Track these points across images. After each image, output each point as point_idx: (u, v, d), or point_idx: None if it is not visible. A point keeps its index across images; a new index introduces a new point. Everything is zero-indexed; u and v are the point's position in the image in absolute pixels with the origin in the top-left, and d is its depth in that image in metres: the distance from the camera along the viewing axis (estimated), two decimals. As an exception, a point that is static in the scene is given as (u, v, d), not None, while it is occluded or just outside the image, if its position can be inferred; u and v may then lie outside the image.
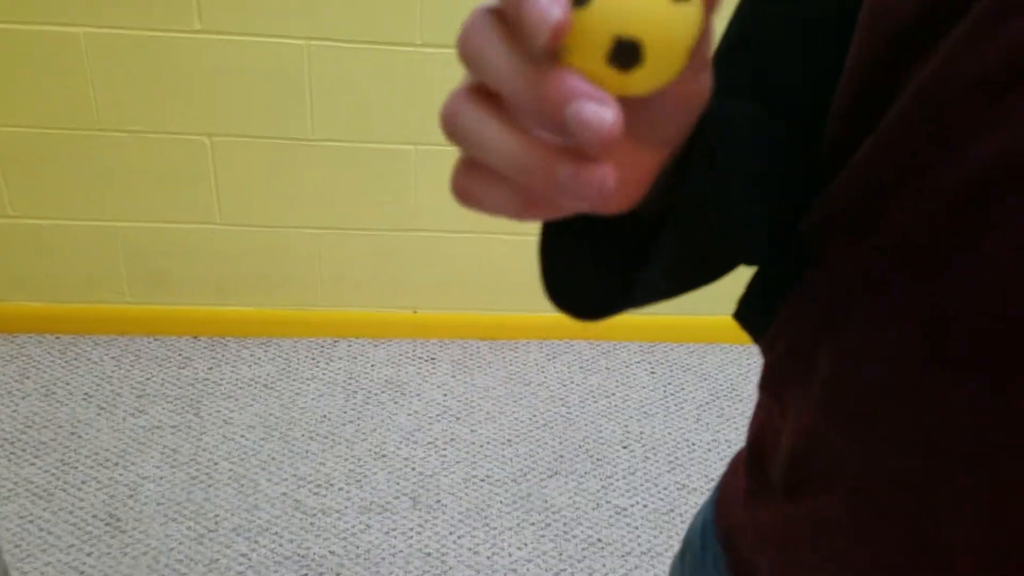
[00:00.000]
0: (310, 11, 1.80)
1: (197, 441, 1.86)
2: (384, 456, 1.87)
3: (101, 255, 2.01)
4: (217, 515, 1.70)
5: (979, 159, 0.34)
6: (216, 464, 1.81)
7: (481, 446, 1.92)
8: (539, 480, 1.85)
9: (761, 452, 0.52)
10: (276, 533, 1.68)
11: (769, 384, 0.50)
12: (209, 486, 1.76)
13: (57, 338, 2.07)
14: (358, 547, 1.67)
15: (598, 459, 1.91)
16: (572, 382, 2.12)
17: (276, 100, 1.88)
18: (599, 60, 0.25)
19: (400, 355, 2.16)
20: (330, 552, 1.66)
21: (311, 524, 1.71)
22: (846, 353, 0.41)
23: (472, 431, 1.96)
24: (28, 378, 1.96)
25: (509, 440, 1.94)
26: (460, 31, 0.26)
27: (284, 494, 1.76)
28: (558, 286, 0.42)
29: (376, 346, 2.18)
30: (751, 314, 0.49)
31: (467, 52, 0.26)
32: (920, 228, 0.37)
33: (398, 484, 1.81)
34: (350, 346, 2.17)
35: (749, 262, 0.46)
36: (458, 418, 1.99)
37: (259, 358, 2.10)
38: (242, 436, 1.88)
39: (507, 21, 0.26)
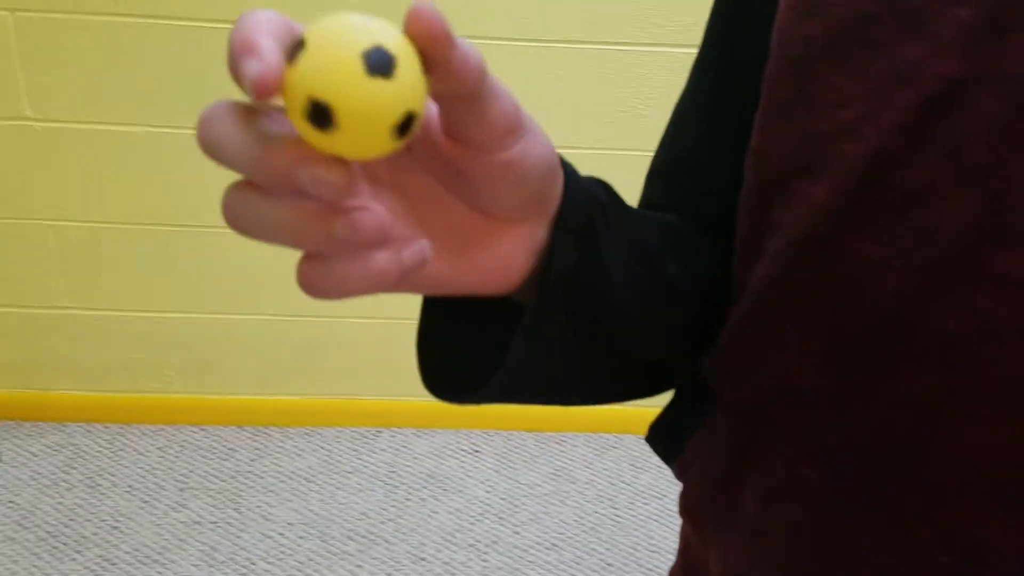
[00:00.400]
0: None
1: (236, 539, 1.83)
2: (423, 559, 1.82)
3: (152, 345, 2.03)
4: (251, 620, 1.67)
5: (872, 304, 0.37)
6: (254, 564, 1.78)
7: (524, 550, 1.85)
8: (583, 591, 1.77)
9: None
10: (310, 641, 1.64)
11: (689, 512, 0.50)
12: (245, 588, 1.73)
13: (105, 427, 2.09)
14: (393, 659, 1.62)
15: (649, 568, 1.83)
16: (621, 480, 2.04)
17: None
18: (300, 118, 0.26)
19: (443, 447, 2.11)
20: (364, 665, 1.60)
21: (346, 632, 1.66)
22: (769, 495, 0.42)
23: (515, 533, 1.89)
24: (75, 468, 1.97)
25: (554, 544, 1.87)
26: (198, 122, 0.28)
27: (320, 598, 1.72)
28: (430, 359, 0.40)
29: (419, 436, 2.14)
30: (661, 440, 0.50)
31: (205, 141, 0.28)
32: (807, 372, 0.39)
33: (437, 590, 1.75)
34: (392, 436, 2.13)
35: (677, 374, 0.47)
36: (501, 518, 1.93)
37: (301, 449, 2.07)
38: (280, 534, 1.85)
39: (247, 109, 0.28)
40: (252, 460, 2.03)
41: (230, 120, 0.27)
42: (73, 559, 1.76)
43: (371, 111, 0.26)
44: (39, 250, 1.92)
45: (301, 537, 1.85)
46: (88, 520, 1.85)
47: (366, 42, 0.26)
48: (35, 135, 1.80)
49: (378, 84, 0.26)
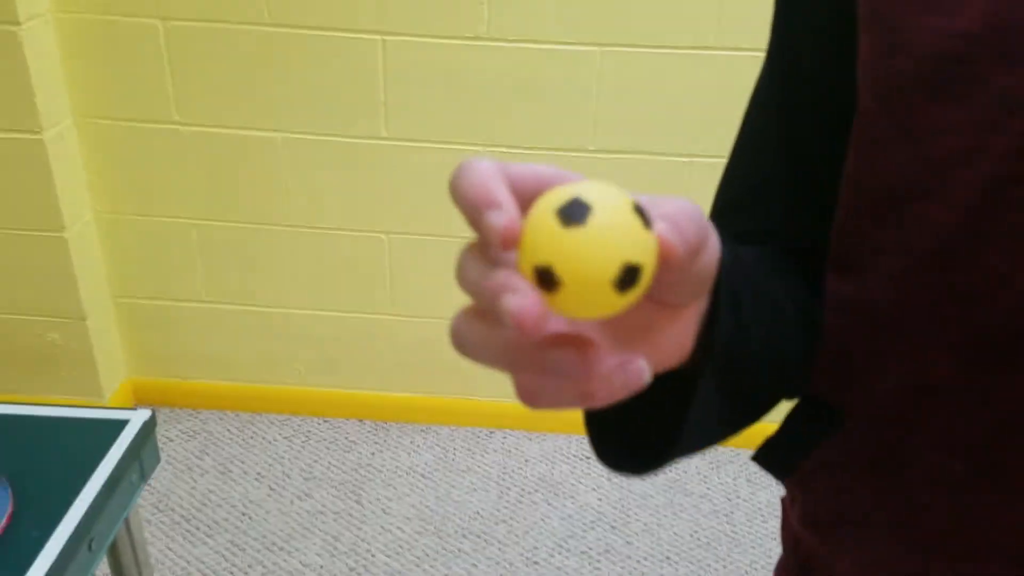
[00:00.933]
0: (487, 122, 1.83)
1: (357, 530, 1.89)
2: (536, 563, 1.84)
3: (282, 339, 2.12)
4: (371, 612, 1.72)
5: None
6: (373, 556, 1.83)
7: (638, 561, 1.85)
8: (698, 607, 1.75)
9: None
10: (427, 637, 1.67)
11: (816, 522, 0.52)
12: (365, 580, 1.78)
13: (236, 415, 2.19)
14: (507, 661, 1.64)
15: (763, 588, 1.79)
16: (738, 496, 2.01)
17: (450, 203, 1.92)
18: (530, 278, 0.28)
19: (555, 451, 2.12)
20: (479, 664, 1.63)
21: (461, 630, 1.69)
22: (914, 489, 0.45)
23: (628, 543, 1.89)
24: (207, 454, 2.08)
25: (668, 557, 1.86)
26: (457, 262, 0.31)
27: (436, 594, 1.76)
28: (608, 446, 0.44)
29: (531, 439, 2.16)
30: (775, 459, 0.52)
31: (458, 277, 0.31)
32: (941, 372, 0.42)
33: (550, 595, 1.77)
34: (505, 438, 2.16)
35: (788, 396, 0.50)
36: (613, 527, 1.93)
37: (418, 445, 2.12)
38: (399, 528, 1.90)
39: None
40: (372, 454, 2.09)
41: (471, 256, 0.31)
42: (205, 543, 1.86)
43: (591, 308, 0.28)
44: (182, 247, 2.03)
45: (418, 532, 1.89)
46: (219, 505, 1.95)
47: (633, 255, 0.27)
48: (181, 138, 1.90)
49: (614, 294, 0.27)
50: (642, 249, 0.28)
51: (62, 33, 1.80)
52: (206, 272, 2.05)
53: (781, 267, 0.48)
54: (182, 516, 1.91)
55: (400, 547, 1.86)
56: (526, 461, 2.09)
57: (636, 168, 1.86)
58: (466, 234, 1.94)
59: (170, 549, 1.84)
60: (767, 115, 0.50)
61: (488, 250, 0.30)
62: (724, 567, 1.84)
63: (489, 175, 0.29)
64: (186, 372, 2.18)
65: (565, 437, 2.16)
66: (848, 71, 0.43)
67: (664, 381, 0.41)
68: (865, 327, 0.44)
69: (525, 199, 0.30)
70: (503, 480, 2.04)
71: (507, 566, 1.83)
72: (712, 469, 2.08)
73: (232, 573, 1.79)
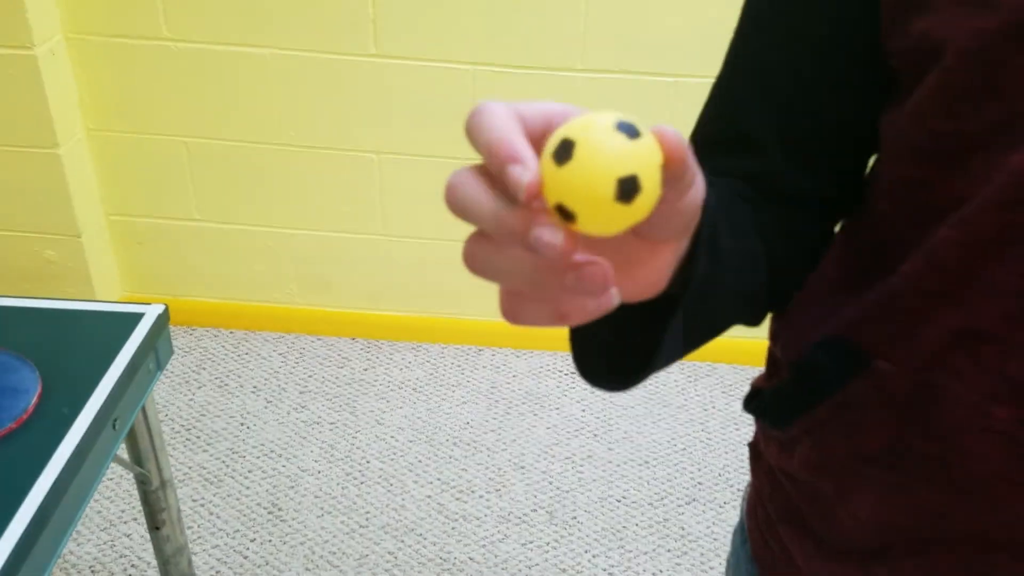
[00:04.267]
0: (476, 38, 1.86)
1: (352, 439, 1.97)
2: (523, 468, 1.93)
3: (274, 258, 2.17)
4: (368, 512, 1.81)
5: None
6: (368, 463, 1.92)
7: (618, 465, 1.95)
8: (676, 506, 1.86)
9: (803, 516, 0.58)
10: (420, 535, 1.77)
11: (827, 466, 0.54)
12: (361, 483, 1.87)
13: (231, 333, 2.25)
14: (496, 556, 1.74)
15: (738, 489, 1.90)
16: (713, 407, 2.11)
17: (441, 121, 1.96)
18: (553, 214, 0.32)
19: (541, 367, 2.21)
20: (470, 559, 1.73)
21: (453, 529, 1.79)
22: (951, 435, 0.47)
23: (610, 449, 1.99)
24: (204, 369, 2.14)
25: (646, 462, 1.96)
26: (447, 187, 0.33)
27: (429, 497, 1.85)
28: (589, 366, 0.49)
29: (518, 356, 2.24)
30: (781, 406, 0.55)
31: (453, 203, 0.33)
32: (993, 317, 0.44)
33: (536, 497, 1.87)
34: (494, 355, 2.24)
35: (747, 324, 0.55)
36: (596, 435, 2.02)
37: (409, 362, 2.20)
38: (392, 437, 1.99)
39: (486, 175, 0.33)
40: (365, 369, 2.16)
41: (476, 187, 0.33)
42: (205, 451, 1.93)
43: (609, 225, 0.32)
44: (173, 165, 2.05)
45: (411, 441, 1.98)
46: (218, 416, 2.02)
47: (623, 169, 0.31)
48: (172, 55, 1.92)
49: (621, 208, 0.31)
50: (634, 161, 0.31)
51: (50, -53, 1.80)
52: (197, 190, 2.09)
53: (748, 200, 0.51)
54: (182, 426, 1.99)
55: (394, 454, 1.95)
56: (514, 376, 2.18)
57: (622, 88, 1.91)
58: (456, 154, 1.99)
59: (171, 456, 1.91)
60: (758, 56, 0.52)
61: (496, 179, 0.33)
62: (699, 470, 1.94)
63: (509, 125, 0.32)
64: (180, 290, 2.23)
65: (551, 354, 2.24)
66: (864, 27, 0.46)
67: (639, 308, 0.45)
68: (923, 277, 0.46)
69: (536, 138, 0.33)
70: (492, 394, 2.12)
71: (496, 471, 1.92)
72: (690, 382, 2.18)
73: (233, 478, 1.87)
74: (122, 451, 1.25)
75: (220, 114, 1.98)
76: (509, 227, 0.32)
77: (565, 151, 0.31)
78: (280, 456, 1.93)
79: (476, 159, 0.33)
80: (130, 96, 1.97)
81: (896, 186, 0.49)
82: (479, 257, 0.34)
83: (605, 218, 0.31)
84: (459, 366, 2.20)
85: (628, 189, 0.31)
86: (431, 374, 2.17)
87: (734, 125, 0.54)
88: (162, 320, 1.10)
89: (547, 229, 0.31)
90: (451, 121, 1.95)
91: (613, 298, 0.34)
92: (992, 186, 0.42)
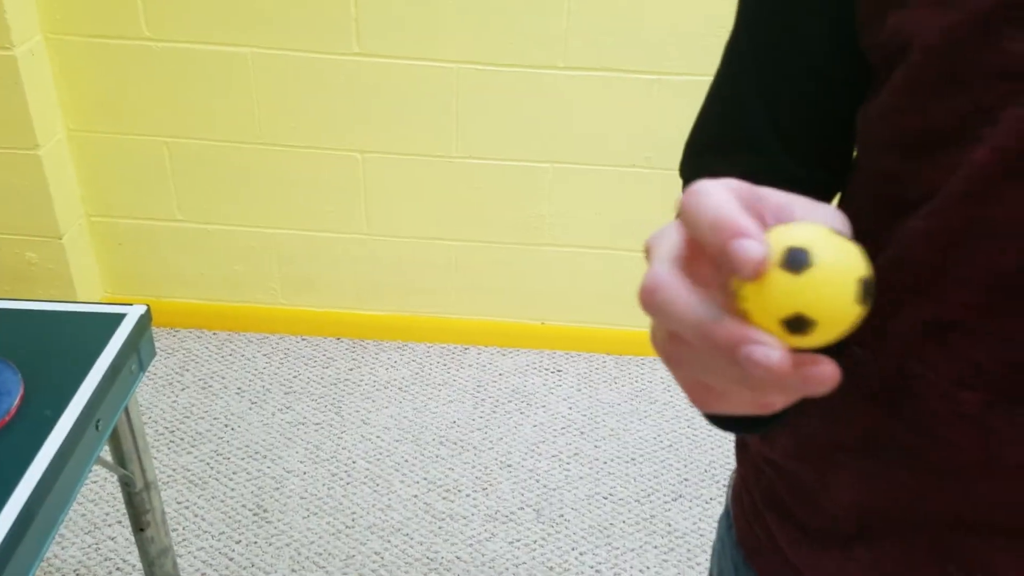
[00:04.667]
0: (459, 37, 1.86)
1: (338, 439, 1.97)
2: (510, 466, 1.93)
3: (257, 258, 2.16)
4: (354, 512, 1.80)
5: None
6: (354, 463, 1.91)
7: (605, 463, 1.95)
8: (663, 502, 1.87)
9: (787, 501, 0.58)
10: (407, 535, 1.77)
11: (805, 451, 0.55)
12: (347, 483, 1.87)
13: (214, 334, 2.24)
14: (483, 555, 1.74)
15: (724, 485, 1.91)
16: (698, 403, 2.12)
17: (424, 120, 1.95)
18: (776, 320, 0.31)
19: (527, 365, 2.21)
20: (457, 558, 1.73)
21: (439, 528, 1.79)
22: (925, 421, 0.48)
23: (596, 447, 1.99)
24: (188, 371, 2.13)
25: (633, 459, 1.97)
26: (643, 285, 0.32)
27: (415, 496, 1.85)
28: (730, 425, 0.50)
29: (504, 355, 2.24)
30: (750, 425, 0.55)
31: (652, 305, 0.32)
32: (962, 307, 0.45)
33: (523, 495, 1.87)
34: (479, 354, 2.24)
35: None
36: (582, 432, 2.03)
37: (395, 361, 2.19)
38: (378, 437, 1.98)
39: (687, 270, 0.32)
40: (351, 369, 2.16)
41: (679, 291, 0.31)
42: (189, 452, 1.92)
43: (845, 329, 0.31)
44: (154, 165, 2.04)
45: (397, 440, 1.97)
46: (202, 418, 2.01)
47: (862, 270, 0.30)
48: (153, 55, 1.90)
49: (861, 309, 0.31)
50: (864, 261, 0.31)
51: (28, -54, 1.78)
52: (179, 191, 2.07)
53: None
54: (165, 428, 1.97)
55: (380, 454, 1.94)
56: (500, 375, 2.18)
57: (604, 86, 1.91)
58: (440, 152, 1.98)
59: (155, 459, 1.90)
60: (747, 59, 0.53)
61: (701, 270, 0.32)
62: (685, 466, 1.95)
63: (731, 203, 0.31)
64: (163, 291, 2.21)
65: (537, 352, 2.25)
66: (842, 26, 0.47)
67: None
68: (894, 267, 0.47)
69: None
70: (478, 392, 2.12)
71: (483, 469, 1.92)
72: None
73: (217, 479, 1.86)
74: (105, 453, 1.23)
75: (201, 114, 1.97)
76: (715, 341, 0.31)
77: (802, 258, 0.30)
78: (265, 457, 1.92)
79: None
80: (110, 96, 1.96)
81: (870, 179, 0.50)
82: (679, 357, 0.33)
83: (843, 322, 0.31)
84: (445, 365, 2.20)
85: (868, 287, 0.31)
86: (417, 373, 2.16)
87: (732, 125, 0.54)
88: (144, 321, 1.09)
89: (761, 348, 0.30)
90: (436, 119, 1.95)
91: (835, 375, 0.32)
92: (957, 179, 0.43)
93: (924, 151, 0.45)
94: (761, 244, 0.30)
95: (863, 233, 0.50)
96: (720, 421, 0.50)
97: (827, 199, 0.56)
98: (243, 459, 1.91)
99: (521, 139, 1.97)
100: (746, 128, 0.54)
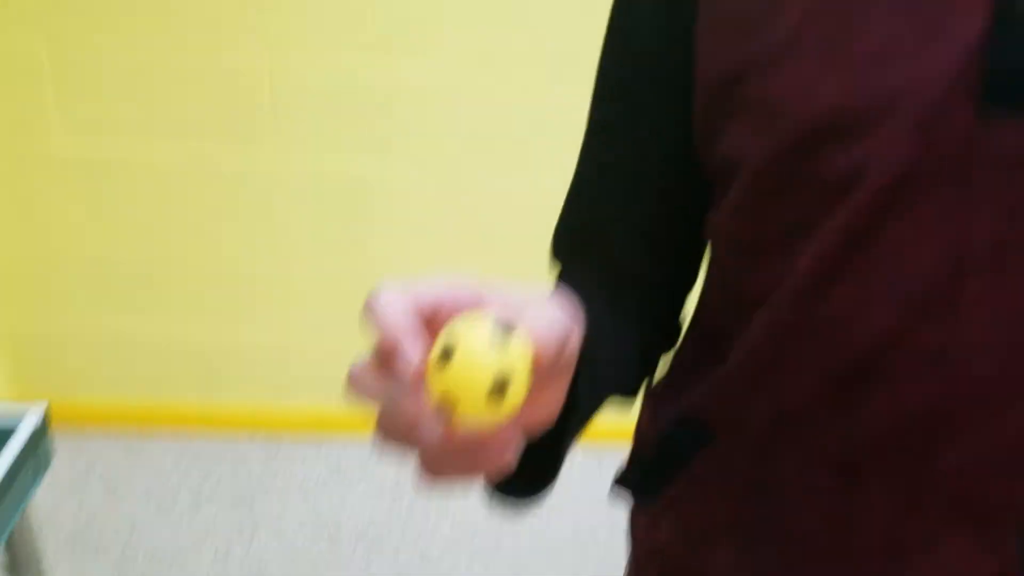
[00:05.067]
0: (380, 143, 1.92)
1: (248, 543, 1.91)
2: (429, 561, 1.90)
3: (162, 354, 2.12)
4: (265, 618, 1.74)
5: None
6: (267, 566, 1.85)
7: (525, 557, 1.94)
8: (581, 594, 1.86)
9: None
10: (322, 639, 1.71)
11: (689, 532, 0.59)
12: (259, 588, 1.80)
13: (121, 432, 2.17)
14: (401, 657, 1.69)
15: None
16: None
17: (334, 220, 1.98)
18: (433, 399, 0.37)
19: (447, 459, 2.20)
20: (374, 661, 1.68)
21: (356, 630, 1.73)
22: (791, 499, 0.52)
23: (516, 541, 1.98)
24: (92, 473, 2.04)
25: (554, 552, 1.96)
26: (347, 378, 0.38)
27: (331, 598, 1.80)
28: (504, 494, 0.53)
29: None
30: (637, 483, 0.61)
31: (354, 394, 0.38)
32: (806, 396, 0.49)
33: (442, 592, 1.83)
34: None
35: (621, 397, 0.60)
36: (501, 527, 2.01)
37: (310, 458, 2.15)
38: (292, 536, 1.93)
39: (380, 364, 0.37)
40: (263, 468, 2.11)
41: (369, 381, 0.37)
42: (94, 560, 1.83)
43: (483, 420, 0.36)
44: (58, 264, 2.01)
45: (311, 540, 1.92)
46: (107, 523, 1.92)
47: (494, 370, 0.35)
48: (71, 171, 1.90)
49: (493, 405, 0.36)
50: (506, 364, 0.35)
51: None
52: (83, 287, 2.04)
53: (620, 311, 0.56)
54: (68, 534, 1.88)
55: (295, 555, 1.89)
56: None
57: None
58: (353, 263, 2.01)
59: (56, 567, 1.80)
60: (607, 151, 0.57)
61: (387, 368, 0.37)
62: (606, 557, 1.95)
63: (400, 319, 0.35)
64: (65, 389, 2.14)
65: (455, 445, 2.24)
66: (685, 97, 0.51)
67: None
68: (746, 363, 0.51)
69: (428, 318, 0.37)
70: (395, 489, 2.09)
71: (401, 566, 1.88)
72: (595, 468, 2.20)
73: (121, 588, 1.78)
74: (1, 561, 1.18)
75: (101, 218, 1.96)
76: (402, 417, 0.36)
77: (446, 356, 0.35)
78: (172, 564, 1.84)
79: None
80: (14, 205, 1.94)
81: (719, 278, 0.55)
82: (387, 429, 0.38)
83: (479, 414, 0.36)
84: (361, 461, 2.17)
85: (500, 389, 0.35)
86: (332, 471, 2.13)
87: (585, 224, 0.58)
88: (44, 421, 1.07)
89: (429, 422, 0.35)
90: (347, 222, 1.98)
91: (512, 460, 0.38)
92: (786, 283, 0.48)
93: (759, 256, 0.50)
94: (413, 364, 0.35)
95: (718, 329, 0.55)
96: (502, 501, 0.53)
97: (682, 296, 0.61)
98: (149, 564, 1.83)
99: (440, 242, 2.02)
100: (598, 228, 0.57)
